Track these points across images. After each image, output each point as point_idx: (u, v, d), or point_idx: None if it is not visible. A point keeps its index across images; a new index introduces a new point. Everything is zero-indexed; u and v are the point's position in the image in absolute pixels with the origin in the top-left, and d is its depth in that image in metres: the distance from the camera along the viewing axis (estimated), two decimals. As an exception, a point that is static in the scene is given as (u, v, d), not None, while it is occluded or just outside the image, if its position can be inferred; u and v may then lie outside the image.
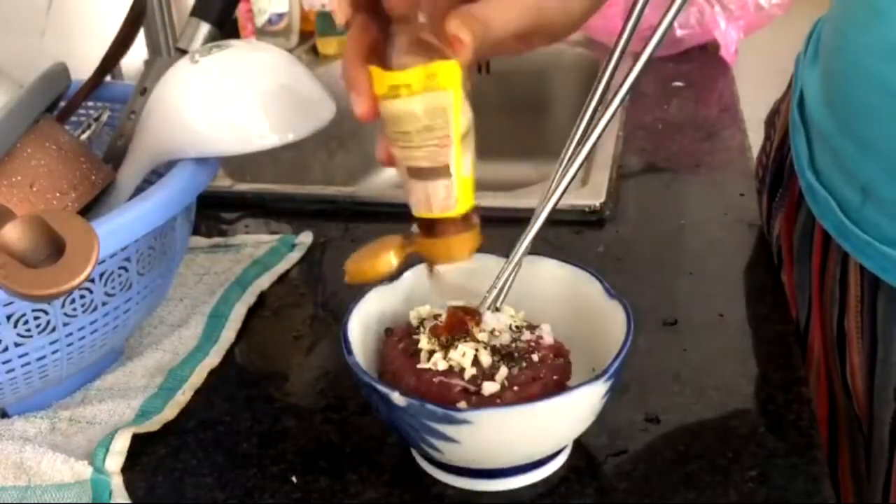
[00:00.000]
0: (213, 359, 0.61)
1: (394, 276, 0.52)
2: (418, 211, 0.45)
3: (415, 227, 0.46)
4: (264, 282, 0.70)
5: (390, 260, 0.46)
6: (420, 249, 0.46)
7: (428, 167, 0.43)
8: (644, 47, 0.45)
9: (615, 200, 0.80)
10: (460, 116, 0.42)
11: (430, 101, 0.41)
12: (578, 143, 0.49)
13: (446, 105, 0.42)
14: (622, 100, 0.47)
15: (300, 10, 1.30)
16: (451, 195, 0.44)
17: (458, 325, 0.48)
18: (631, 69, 0.46)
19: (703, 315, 0.63)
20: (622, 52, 0.48)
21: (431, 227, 0.45)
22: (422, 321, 0.50)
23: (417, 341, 0.48)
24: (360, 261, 0.47)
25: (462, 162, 0.43)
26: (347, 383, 0.57)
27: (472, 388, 0.45)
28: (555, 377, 0.47)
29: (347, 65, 0.44)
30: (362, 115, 0.44)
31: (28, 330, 0.50)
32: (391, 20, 0.42)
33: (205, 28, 0.63)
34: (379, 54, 0.43)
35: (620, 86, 0.46)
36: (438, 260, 0.47)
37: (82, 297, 0.51)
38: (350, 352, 0.48)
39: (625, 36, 0.48)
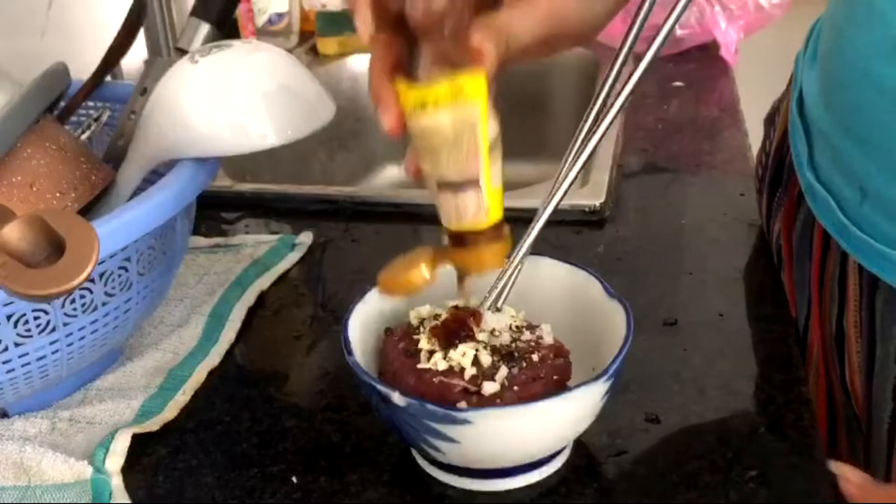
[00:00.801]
0: (213, 359, 0.61)
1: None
2: (449, 223, 0.45)
3: (445, 239, 0.46)
4: (264, 282, 0.70)
5: (423, 273, 0.46)
6: (451, 261, 0.46)
7: (457, 180, 0.43)
8: (647, 49, 0.45)
9: (615, 200, 0.80)
10: (487, 128, 0.42)
11: (458, 115, 0.41)
12: (581, 144, 0.49)
13: (474, 118, 0.42)
14: (625, 101, 0.47)
15: (300, 10, 1.30)
16: (482, 207, 0.44)
17: (459, 325, 0.48)
18: (633, 71, 0.46)
19: (703, 315, 0.63)
20: (628, 53, 0.48)
21: (462, 239, 0.45)
22: (422, 321, 0.50)
23: (417, 341, 0.48)
24: (393, 275, 0.47)
25: (490, 173, 0.43)
26: (347, 383, 0.57)
27: (472, 388, 0.45)
28: (555, 377, 0.47)
29: (373, 81, 0.44)
30: (390, 130, 0.44)
31: (28, 330, 0.50)
32: (416, 34, 0.42)
33: (205, 28, 0.63)
34: (404, 69, 0.43)
35: (623, 87, 0.46)
36: (470, 271, 0.47)
37: (82, 297, 0.51)
38: (350, 352, 0.48)
39: (630, 37, 0.48)
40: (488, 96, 0.42)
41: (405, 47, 0.43)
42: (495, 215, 0.44)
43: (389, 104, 0.43)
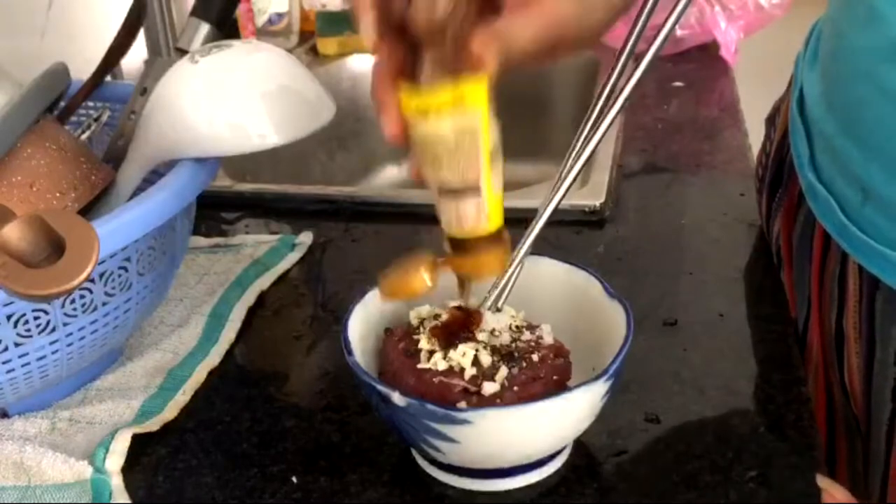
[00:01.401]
0: (213, 359, 0.61)
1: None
2: (450, 230, 0.45)
3: (445, 245, 0.46)
4: (264, 282, 0.70)
5: (424, 279, 0.46)
6: (452, 267, 0.47)
7: (458, 187, 0.43)
8: (647, 49, 0.45)
9: (615, 200, 0.80)
10: (489, 135, 0.42)
11: (459, 122, 0.41)
12: (582, 145, 0.49)
13: (475, 125, 0.42)
14: (625, 101, 0.47)
15: (300, 10, 1.30)
16: (483, 213, 0.44)
17: (459, 325, 0.48)
18: (634, 71, 0.46)
19: (703, 315, 0.63)
20: (629, 55, 0.48)
21: (462, 246, 0.45)
22: (422, 321, 0.50)
23: (417, 341, 0.48)
24: (394, 281, 0.47)
25: (491, 180, 0.43)
26: (347, 383, 0.57)
27: (472, 388, 0.45)
28: (555, 377, 0.47)
29: (376, 87, 0.44)
30: (391, 137, 0.44)
31: (28, 330, 0.50)
32: (418, 42, 0.42)
33: (205, 28, 0.63)
34: (407, 76, 0.43)
35: (624, 87, 0.46)
36: (470, 277, 0.47)
37: (82, 297, 0.51)
38: (350, 352, 0.48)
39: (632, 39, 0.48)
40: (489, 103, 0.42)
41: (408, 54, 0.43)
42: (496, 222, 0.44)
43: (391, 111, 0.43)
